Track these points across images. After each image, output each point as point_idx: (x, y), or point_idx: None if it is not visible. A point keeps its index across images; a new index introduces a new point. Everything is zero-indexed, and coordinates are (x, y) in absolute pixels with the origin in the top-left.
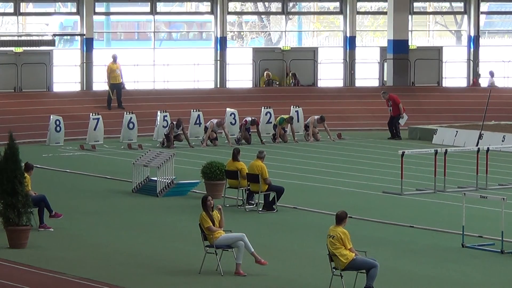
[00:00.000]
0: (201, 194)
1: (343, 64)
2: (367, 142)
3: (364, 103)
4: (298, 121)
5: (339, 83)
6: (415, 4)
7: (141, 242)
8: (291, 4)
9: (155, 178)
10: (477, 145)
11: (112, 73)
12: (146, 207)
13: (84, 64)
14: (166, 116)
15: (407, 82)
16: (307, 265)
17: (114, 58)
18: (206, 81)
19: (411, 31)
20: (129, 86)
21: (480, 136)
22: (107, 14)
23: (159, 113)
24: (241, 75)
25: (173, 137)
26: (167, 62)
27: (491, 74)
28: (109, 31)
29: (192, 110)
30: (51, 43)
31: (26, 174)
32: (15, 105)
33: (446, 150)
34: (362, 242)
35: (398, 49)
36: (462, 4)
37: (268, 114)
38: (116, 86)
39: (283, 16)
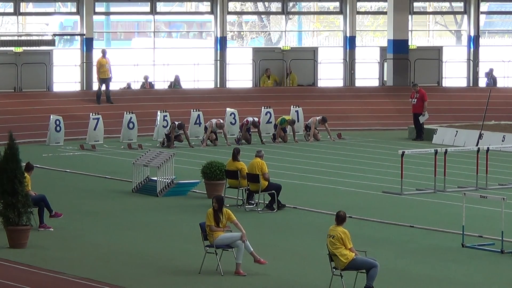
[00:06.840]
0: (201, 194)
1: (343, 64)
2: (367, 142)
3: (364, 103)
4: (298, 121)
5: (339, 83)
6: (415, 4)
7: (141, 242)
8: (291, 4)
9: (155, 178)
10: (477, 145)
11: (102, 67)
12: (146, 207)
13: (84, 64)
14: (166, 116)
15: (407, 82)
16: (307, 265)
17: (104, 53)
18: (206, 81)
19: (411, 31)
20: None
21: (480, 136)
22: (107, 14)
23: (159, 113)
24: (241, 75)
25: (173, 137)
26: (167, 62)
27: (487, 74)
28: (109, 31)
29: (192, 110)
30: (51, 43)
31: (26, 174)
32: (15, 105)
33: (446, 150)
34: (362, 242)
35: (398, 49)
36: (462, 4)
37: (268, 114)
38: (105, 81)
39: (283, 16)
